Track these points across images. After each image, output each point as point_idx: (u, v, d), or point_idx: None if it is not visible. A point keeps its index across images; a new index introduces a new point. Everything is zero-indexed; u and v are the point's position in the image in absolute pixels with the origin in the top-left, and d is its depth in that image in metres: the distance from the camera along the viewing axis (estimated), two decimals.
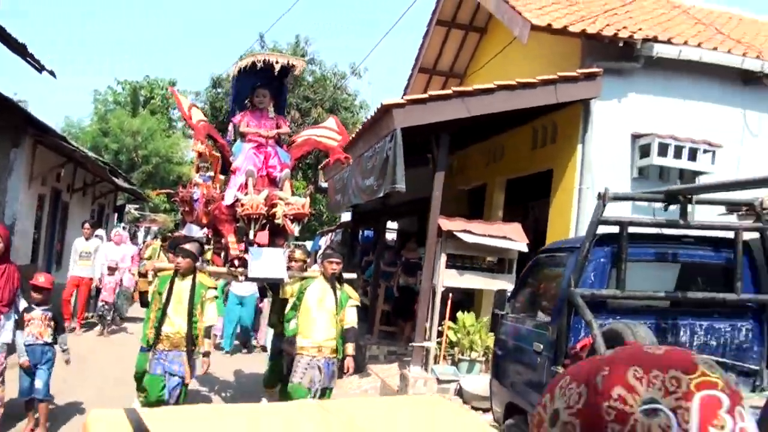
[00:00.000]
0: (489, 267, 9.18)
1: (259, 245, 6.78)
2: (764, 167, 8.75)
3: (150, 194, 25.28)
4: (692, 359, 0.89)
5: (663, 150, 8.57)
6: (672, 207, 5.35)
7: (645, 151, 8.73)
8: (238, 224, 6.79)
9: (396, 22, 18.11)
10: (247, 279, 7.05)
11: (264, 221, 6.65)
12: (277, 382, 7.60)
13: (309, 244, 20.51)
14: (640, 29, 8.81)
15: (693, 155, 8.75)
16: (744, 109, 9.39)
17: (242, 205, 6.52)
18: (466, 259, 9.16)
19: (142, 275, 6.95)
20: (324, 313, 6.73)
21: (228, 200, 6.73)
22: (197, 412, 3.06)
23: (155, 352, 6.32)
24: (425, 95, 8.24)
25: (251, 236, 6.62)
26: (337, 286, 6.85)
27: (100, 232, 14.75)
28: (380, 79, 62.89)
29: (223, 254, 7.16)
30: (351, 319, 6.83)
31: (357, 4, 78.85)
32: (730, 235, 5.40)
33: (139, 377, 6.81)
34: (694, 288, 5.30)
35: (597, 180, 8.55)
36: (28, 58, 9.40)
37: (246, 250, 6.71)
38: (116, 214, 22.30)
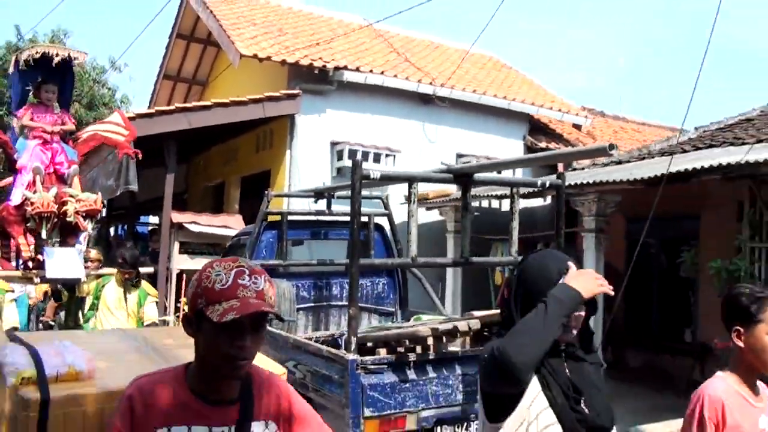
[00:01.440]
0: (220, 251, 10.88)
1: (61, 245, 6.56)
2: (437, 164, 11.39)
3: None
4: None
5: (353, 154, 10.80)
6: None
7: (340, 155, 10.92)
8: (28, 224, 6.48)
9: (150, 22, 19.13)
10: (44, 280, 6.80)
11: (55, 219, 6.43)
12: None
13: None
14: (333, 59, 10.98)
15: (377, 158, 11.11)
16: (422, 122, 11.95)
17: (32, 203, 6.28)
18: (202, 245, 10.77)
19: None
20: (123, 311, 6.61)
21: (16, 200, 6.44)
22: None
23: None
24: (152, 110, 9.77)
25: (43, 235, 6.39)
26: (134, 286, 6.72)
27: None
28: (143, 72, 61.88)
29: (14, 256, 6.85)
30: (151, 314, 6.77)
31: None
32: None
33: None
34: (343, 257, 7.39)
35: (304, 178, 10.59)
36: None
37: (38, 251, 6.47)
38: None
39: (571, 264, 2.14)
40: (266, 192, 7.03)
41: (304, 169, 10.73)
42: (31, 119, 6.67)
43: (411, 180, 4.83)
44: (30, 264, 6.46)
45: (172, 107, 9.84)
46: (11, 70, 6.96)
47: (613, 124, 16.93)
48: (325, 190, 7.37)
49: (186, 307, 2.00)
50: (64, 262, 6.40)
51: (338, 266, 7.09)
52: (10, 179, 8.94)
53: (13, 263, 6.82)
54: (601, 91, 74.64)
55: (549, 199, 10.90)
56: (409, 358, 4.56)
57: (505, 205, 10.29)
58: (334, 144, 11.03)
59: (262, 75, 11.43)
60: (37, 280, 6.74)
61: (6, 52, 24.20)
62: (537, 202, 11.34)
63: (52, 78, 6.82)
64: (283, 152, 10.80)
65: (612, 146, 3.57)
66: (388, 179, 5.75)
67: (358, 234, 4.68)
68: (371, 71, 11.13)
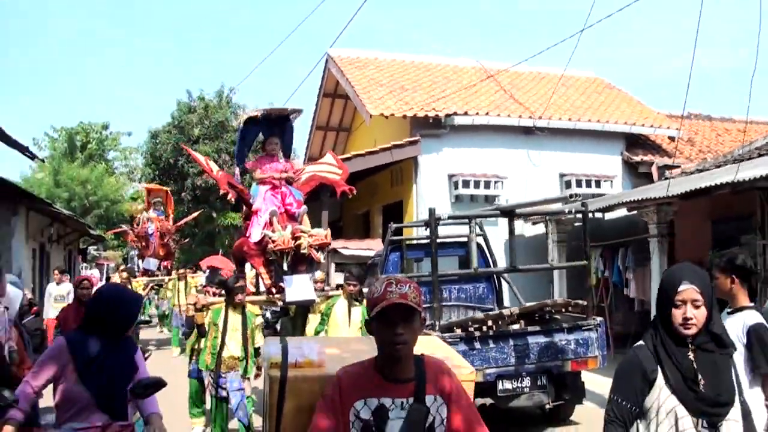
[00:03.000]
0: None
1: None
2: (544, 186, 13.61)
3: (105, 234, 28.93)
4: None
5: (466, 184, 13.25)
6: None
7: (456, 185, 13.40)
8: (268, 257, 7.22)
9: (301, 83, 22.38)
10: (285, 304, 7.56)
11: (292, 252, 7.10)
12: None
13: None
14: (446, 106, 13.50)
15: (487, 185, 13.47)
16: (526, 149, 14.16)
17: (273, 241, 6.96)
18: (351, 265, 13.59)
19: (198, 310, 7.25)
20: (351, 326, 7.43)
21: (255, 238, 7.18)
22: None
23: (213, 376, 7.07)
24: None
25: (285, 267, 7.10)
26: (357, 301, 7.51)
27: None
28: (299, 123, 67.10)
29: (255, 284, 7.93)
30: None
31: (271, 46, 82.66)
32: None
33: (193, 400, 8.05)
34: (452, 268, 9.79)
35: (429, 204, 13.10)
36: (24, 152, 13.02)
37: (278, 280, 7.20)
38: (80, 256, 26.01)
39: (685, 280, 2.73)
40: (389, 225, 9.63)
41: (428, 198, 13.28)
42: (261, 170, 7.39)
43: (470, 217, 7.25)
44: (273, 290, 7.27)
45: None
46: (239, 127, 7.78)
47: (718, 127, 18.08)
48: (429, 222, 9.89)
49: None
50: (300, 287, 7.13)
51: (446, 276, 9.52)
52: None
53: (252, 289, 7.91)
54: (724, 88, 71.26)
55: (624, 211, 12.62)
56: (475, 334, 6.96)
57: (608, 215, 12.32)
58: (450, 176, 13.53)
59: (390, 125, 14.15)
60: (279, 303, 7.55)
61: (180, 111, 28.41)
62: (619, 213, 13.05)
63: (275, 132, 7.56)
64: (410, 186, 13.42)
65: (572, 195, 5.80)
66: (454, 217, 8.22)
67: (435, 254, 7.17)
68: (477, 113, 13.54)
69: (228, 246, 30.11)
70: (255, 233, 7.20)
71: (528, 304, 7.58)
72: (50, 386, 3.48)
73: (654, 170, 14.41)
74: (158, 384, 3.56)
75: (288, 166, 7.62)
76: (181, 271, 15.17)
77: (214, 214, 27.92)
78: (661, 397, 2.68)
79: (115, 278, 16.20)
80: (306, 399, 2.62)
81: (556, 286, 13.11)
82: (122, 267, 19.05)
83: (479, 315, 7.70)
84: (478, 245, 9.90)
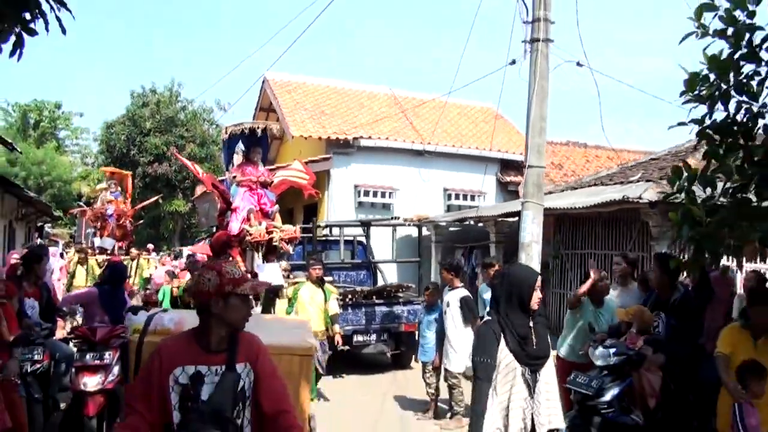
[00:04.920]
0: None
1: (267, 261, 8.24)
2: (430, 197, 17.30)
3: (64, 213, 31.63)
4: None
5: (367, 193, 16.83)
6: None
7: (359, 194, 16.95)
8: (243, 248, 8.16)
9: (243, 94, 25.55)
10: None
11: (264, 244, 8.12)
12: None
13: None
14: (355, 129, 17.02)
15: (384, 194, 17.08)
16: (418, 168, 17.77)
17: (250, 234, 7.97)
18: None
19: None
20: (315, 307, 8.52)
21: (234, 230, 8.08)
22: None
23: None
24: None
25: (258, 257, 8.11)
26: (321, 285, 8.70)
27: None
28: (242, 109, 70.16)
29: None
30: (334, 308, 8.86)
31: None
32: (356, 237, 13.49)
33: None
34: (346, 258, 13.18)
35: (338, 208, 16.65)
36: (6, 145, 15.69)
37: (251, 267, 8.10)
38: (37, 233, 28.70)
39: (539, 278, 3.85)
40: (312, 220, 12.72)
41: (338, 203, 16.79)
42: (242, 173, 8.39)
43: (342, 226, 10.81)
44: (248, 276, 8.36)
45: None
46: (223, 138, 8.90)
47: (589, 154, 21.99)
48: (327, 226, 13.42)
49: (193, 294, 2.97)
50: (271, 274, 8.02)
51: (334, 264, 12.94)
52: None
53: None
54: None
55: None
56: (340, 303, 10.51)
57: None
58: (356, 186, 17.06)
59: (310, 144, 17.61)
60: None
61: (134, 105, 31.14)
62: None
63: (254, 142, 8.69)
64: (324, 192, 16.89)
65: (406, 219, 9.39)
66: (334, 225, 11.80)
67: (315, 249, 10.67)
68: (379, 138, 17.12)
69: (171, 230, 33.16)
70: (234, 227, 8.11)
71: (378, 286, 11.22)
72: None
73: (520, 189, 18.21)
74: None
75: (265, 172, 8.67)
76: (134, 252, 16.58)
77: (160, 201, 31.00)
78: (502, 354, 3.74)
79: (70, 253, 16.96)
80: None
81: (433, 274, 16.81)
82: (75, 245, 20.17)
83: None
84: (360, 242, 13.44)
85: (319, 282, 8.71)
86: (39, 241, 29.74)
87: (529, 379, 3.74)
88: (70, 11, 3.62)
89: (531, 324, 3.81)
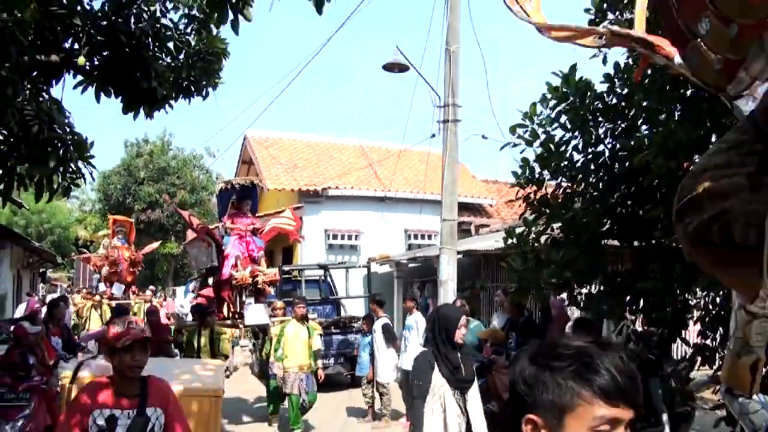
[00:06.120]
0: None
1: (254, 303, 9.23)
2: (392, 238, 19.65)
3: (62, 258, 33.88)
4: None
5: (335, 236, 19.19)
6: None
7: (329, 237, 19.30)
8: (233, 290, 9.14)
9: (227, 149, 28.12)
10: (244, 326, 9.54)
11: (250, 287, 9.10)
12: (278, 407, 9.79)
13: (182, 289, 29.64)
14: (324, 180, 19.43)
15: (350, 237, 19.44)
16: (381, 212, 20.11)
17: (236, 279, 8.93)
18: None
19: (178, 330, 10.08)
20: (300, 342, 8.90)
21: (225, 275, 9.03)
22: None
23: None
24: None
25: (244, 298, 9.09)
26: (305, 323, 9.13)
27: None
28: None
29: (225, 310, 9.73)
30: (317, 344, 9.34)
31: None
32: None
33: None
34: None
35: (311, 250, 18.96)
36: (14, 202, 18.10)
37: (241, 308, 9.01)
38: (40, 279, 30.88)
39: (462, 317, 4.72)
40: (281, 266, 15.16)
41: (310, 246, 19.09)
42: (233, 223, 9.49)
43: (303, 269, 13.14)
44: (237, 315, 9.44)
45: None
46: (216, 193, 10.23)
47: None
48: (291, 269, 15.72)
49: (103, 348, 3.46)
50: (257, 313, 8.96)
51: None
52: (155, 245, 16.26)
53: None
54: None
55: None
56: None
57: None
58: (326, 230, 19.43)
59: (284, 194, 19.99)
60: (241, 326, 9.56)
61: (129, 156, 33.50)
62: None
63: (245, 195, 9.89)
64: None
65: (371, 258, 11.72)
66: (299, 268, 14.04)
67: (279, 289, 12.96)
68: (345, 187, 19.53)
69: (165, 271, 35.38)
70: (225, 272, 9.20)
71: (334, 318, 13.54)
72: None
73: (473, 228, 20.65)
74: None
75: (254, 221, 9.85)
76: (148, 294, 17.95)
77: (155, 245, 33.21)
78: (436, 379, 4.47)
79: (77, 298, 17.94)
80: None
81: (396, 305, 19.09)
82: (81, 291, 20.90)
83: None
84: (325, 281, 15.72)
85: (303, 320, 9.13)
86: (41, 285, 31.98)
87: (459, 399, 4.54)
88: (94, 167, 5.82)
89: (459, 355, 4.60)
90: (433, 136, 11.61)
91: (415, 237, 20.34)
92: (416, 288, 17.94)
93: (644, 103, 5.87)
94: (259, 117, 72.62)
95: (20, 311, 15.77)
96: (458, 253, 11.67)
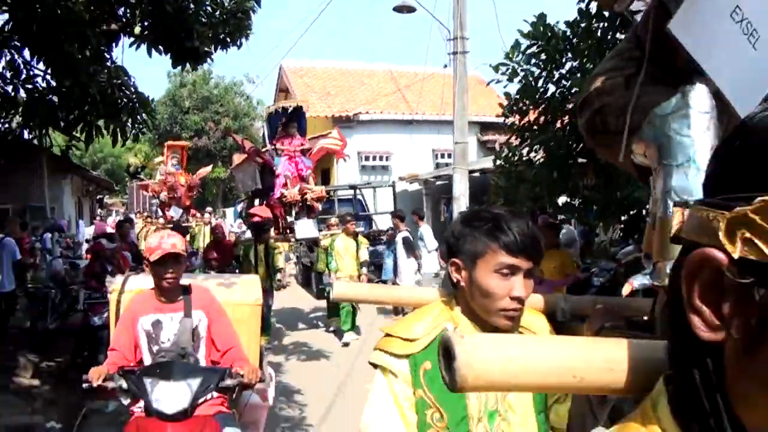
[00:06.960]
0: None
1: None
2: (421, 158, 21.01)
3: (116, 184, 35.98)
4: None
5: (368, 158, 20.61)
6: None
7: (362, 158, 20.71)
8: (284, 207, 9.54)
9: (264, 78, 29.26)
10: (296, 240, 10.20)
11: (300, 203, 9.57)
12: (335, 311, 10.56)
13: (231, 210, 31.47)
14: (355, 105, 20.70)
15: (381, 158, 20.83)
16: (409, 134, 21.39)
17: (285, 196, 9.43)
18: None
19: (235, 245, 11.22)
20: (348, 255, 9.94)
21: (277, 194, 9.53)
22: None
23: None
24: None
25: (293, 214, 9.55)
26: (355, 237, 10.20)
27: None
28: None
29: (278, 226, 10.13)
30: (364, 255, 10.36)
31: None
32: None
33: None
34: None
35: (346, 173, 20.44)
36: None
37: (292, 223, 9.53)
38: (98, 204, 33.10)
39: None
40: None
41: (345, 167, 20.50)
42: (282, 144, 9.85)
43: (335, 189, 14.64)
44: (288, 231, 9.93)
45: None
46: (265, 117, 10.81)
47: None
48: (330, 189, 17.22)
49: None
50: (307, 228, 9.45)
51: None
52: (208, 168, 17.80)
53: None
54: None
55: None
56: None
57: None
58: (359, 152, 20.81)
59: (319, 120, 21.33)
60: (292, 239, 10.20)
61: (173, 86, 34.88)
62: None
63: (291, 119, 10.17)
64: (334, 159, 20.69)
65: (401, 177, 13.15)
66: (336, 189, 15.54)
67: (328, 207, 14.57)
68: (375, 112, 20.79)
69: (215, 194, 37.29)
70: (276, 191, 9.65)
71: (365, 232, 15.11)
72: None
73: (497, 146, 21.79)
74: None
75: (303, 141, 10.15)
76: (207, 217, 18.89)
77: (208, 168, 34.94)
78: None
79: (140, 223, 19.71)
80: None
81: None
82: (141, 215, 23.21)
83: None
84: (356, 199, 17.17)
85: (354, 235, 10.23)
86: (99, 210, 34.25)
87: None
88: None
89: None
90: (445, 66, 12.76)
91: (442, 156, 21.62)
92: (443, 204, 19.36)
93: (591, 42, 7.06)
94: (294, 46, 73.84)
95: (89, 233, 17.87)
96: (470, 171, 13.01)
